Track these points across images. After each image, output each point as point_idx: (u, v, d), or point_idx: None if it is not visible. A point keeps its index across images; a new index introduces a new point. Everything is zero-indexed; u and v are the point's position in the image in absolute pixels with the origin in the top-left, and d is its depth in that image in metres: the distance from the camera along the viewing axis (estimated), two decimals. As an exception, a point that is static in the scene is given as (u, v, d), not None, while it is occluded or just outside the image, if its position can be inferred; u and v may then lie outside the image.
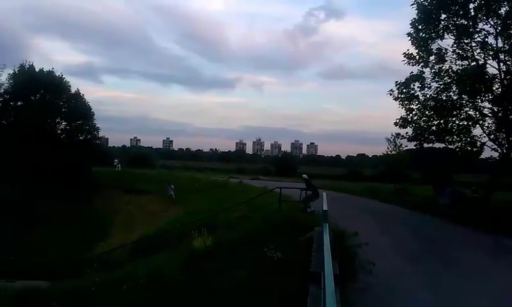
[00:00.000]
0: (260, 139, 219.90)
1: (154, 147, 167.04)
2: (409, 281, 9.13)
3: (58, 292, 12.45)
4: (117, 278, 11.65)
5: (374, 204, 22.27)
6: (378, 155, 69.72)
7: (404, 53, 21.54)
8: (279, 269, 8.68)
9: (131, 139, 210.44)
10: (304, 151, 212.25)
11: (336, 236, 8.64)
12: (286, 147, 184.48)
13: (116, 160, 48.20)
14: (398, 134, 24.49)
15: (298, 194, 15.44)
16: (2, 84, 31.10)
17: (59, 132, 33.11)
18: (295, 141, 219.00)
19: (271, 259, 9.22)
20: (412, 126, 22.05)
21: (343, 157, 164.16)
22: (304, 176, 20.81)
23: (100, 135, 35.92)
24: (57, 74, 32.01)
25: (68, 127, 32.73)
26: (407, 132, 22.72)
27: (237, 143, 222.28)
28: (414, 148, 24.02)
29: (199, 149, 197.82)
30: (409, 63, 21.64)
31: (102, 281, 11.80)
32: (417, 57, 21.33)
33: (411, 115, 21.95)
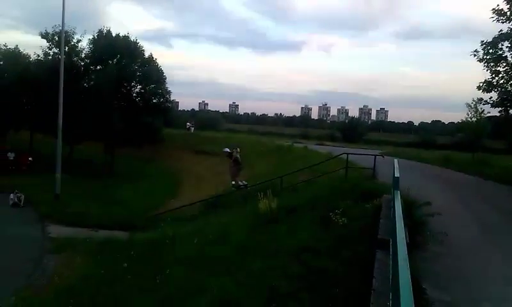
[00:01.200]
0: (326, 104, 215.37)
1: (221, 111, 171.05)
2: (484, 254, 8.61)
3: (136, 242, 13.64)
4: (188, 232, 12.44)
5: (449, 174, 20.94)
6: (455, 122, 65.07)
7: (494, 9, 19.43)
8: (344, 234, 8.67)
9: (199, 103, 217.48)
10: (373, 116, 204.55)
11: (406, 205, 8.35)
12: (354, 112, 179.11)
13: (188, 123, 50.17)
14: (481, 99, 22.40)
15: (365, 160, 15.04)
16: (83, 49, 33.46)
17: (134, 95, 35.08)
18: (363, 106, 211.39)
19: (336, 224, 9.22)
20: (497, 90, 20.14)
21: (416, 123, 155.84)
22: (226, 149, 20.07)
23: (171, 99, 37.39)
24: (132, 39, 33.61)
25: (142, 91, 34.53)
26: (491, 97, 20.83)
27: (302, 108, 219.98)
28: (498, 114, 22.00)
29: (264, 114, 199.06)
30: (498, 20, 19.50)
31: (174, 234, 12.67)
32: (508, 13, 19.13)
33: (497, 78, 20.02)
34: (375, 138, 76.99)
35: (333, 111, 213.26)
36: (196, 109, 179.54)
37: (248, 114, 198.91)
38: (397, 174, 7.32)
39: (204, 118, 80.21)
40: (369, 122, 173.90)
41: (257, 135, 53.05)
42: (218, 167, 32.11)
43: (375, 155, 14.39)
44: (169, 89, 35.63)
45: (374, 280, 5.18)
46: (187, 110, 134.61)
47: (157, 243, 12.39)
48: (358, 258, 7.53)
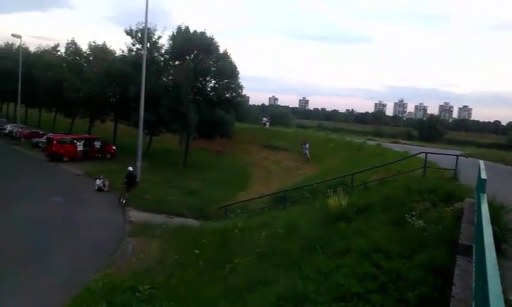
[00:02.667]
0: (402, 100, 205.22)
1: (290, 106, 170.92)
2: None
3: (207, 231, 14.18)
4: (257, 225, 12.63)
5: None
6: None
7: None
8: (420, 237, 8.20)
9: (269, 98, 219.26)
10: (454, 114, 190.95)
11: (492, 210, 7.66)
12: (433, 110, 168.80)
13: (264, 118, 49.91)
14: None
15: (445, 161, 14.04)
16: (163, 45, 35.31)
17: (208, 89, 36.29)
18: (444, 103, 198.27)
19: (412, 226, 8.75)
20: None
21: (503, 123, 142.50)
22: (130, 168, 22.01)
23: (243, 94, 38.06)
24: (208, 35, 34.72)
25: (216, 85, 35.59)
26: None
27: (376, 104, 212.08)
28: None
29: (334, 110, 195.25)
30: None
31: (243, 225, 12.95)
32: None
33: None
34: (457, 138, 71.69)
35: (410, 108, 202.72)
36: (266, 103, 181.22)
37: (318, 109, 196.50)
38: (483, 176, 6.73)
39: (273, 113, 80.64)
40: (450, 120, 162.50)
41: (327, 131, 52.13)
42: (286, 162, 32.17)
43: (457, 156, 13.36)
44: (241, 84, 36.34)
45: (453, 287, 4.85)
46: (258, 105, 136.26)
47: (227, 233, 12.77)
48: (434, 263, 7.10)
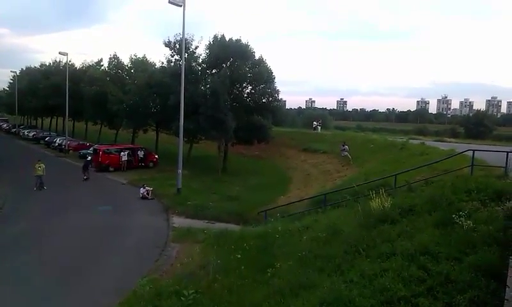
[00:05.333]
0: (446, 97, 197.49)
1: (328, 108, 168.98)
2: None
3: (248, 235, 14.26)
4: (297, 228, 12.56)
5: None
6: None
7: None
8: (469, 238, 7.84)
9: (306, 101, 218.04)
10: (503, 109, 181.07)
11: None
12: (479, 105, 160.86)
13: (315, 122, 47.95)
14: None
15: (494, 158, 13.32)
16: (200, 55, 36.09)
17: (245, 95, 36.68)
18: (491, 97, 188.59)
19: (460, 226, 8.38)
20: None
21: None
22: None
23: (279, 98, 38.12)
24: (243, 42, 35.14)
25: (253, 91, 35.92)
26: None
27: (418, 102, 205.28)
28: None
29: (374, 109, 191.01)
30: None
31: (284, 230, 12.91)
32: None
33: None
34: (506, 133, 67.81)
35: (455, 104, 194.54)
36: (303, 106, 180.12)
37: (357, 110, 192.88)
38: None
39: (311, 116, 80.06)
40: (498, 115, 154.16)
41: (367, 131, 51.06)
42: (326, 165, 31.78)
43: (507, 152, 12.63)
44: (277, 88, 36.44)
45: (507, 289, 4.61)
46: (294, 109, 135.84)
47: (268, 237, 12.78)
48: (486, 265, 6.77)
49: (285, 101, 77.21)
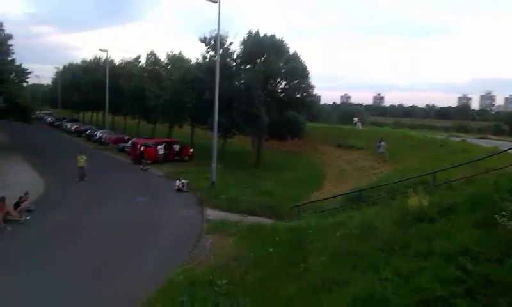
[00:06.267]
0: (490, 93, 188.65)
1: (364, 104, 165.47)
2: None
3: (280, 229, 14.28)
4: (331, 224, 12.44)
5: None
6: None
7: None
8: (512, 239, 7.49)
9: (341, 96, 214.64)
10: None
11: None
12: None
13: (355, 118, 46.68)
14: None
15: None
16: (235, 51, 36.30)
17: (279, 91, 36.60)
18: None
19: (502, 227, 8.01)
20: None
21: None
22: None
23: (313, 93, 37.76)
24: (277, 37, 35.03)
25: (287, 86, 35.77)
26: None
27: (459, 98, 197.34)
28: None
29: (413, 105, 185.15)
30: None
31: (317, 225, 12.84)
32: None
33: None
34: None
35: (499, 100, 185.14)
36: (338, 102, 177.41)
37: (395, 106, 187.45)
38: None
39: (346, 112, 78.77)
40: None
41: (405, 128, 49.61)
42: (361, 161, 31.23)
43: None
44: (312, 83, 36.11)
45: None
46: (329, 104, 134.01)
47: (301, 232, 12.75)
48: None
49: (319, 96, 76.11)
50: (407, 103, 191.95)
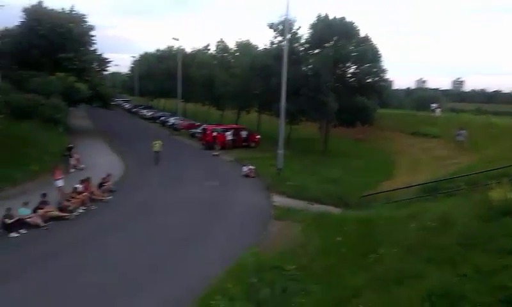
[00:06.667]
0: None
1: (441, 89, 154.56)
2: None
3: (349, 218, 13.99)
4: (404, 216, 11.91)
5: None
6: None
7: None
8: None
9: (416, 81, 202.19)
10: None
11: None
12: None
13: (433, 105, 44.29)
14: None
15: None
16: (303, 35, 35.73)
17: (348, 76, 35.45)
18: None
19: None
20: None
21: None
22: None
23: (386, 78, 35.98)
24: (347, 20, 33.80)
25: (357, 71, 34.52)
26: None
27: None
28: None
29: (497, 90, 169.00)
30: None
31: (389, 216, 12.36)
32: None
33: None
34: None
35: None
36: (413, 87, 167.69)
37: (476, 90, 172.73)
38: None
39: (421, 97, 74.23)
40: None
41: (488, 115, 45.69)
42: (437, 150, 29.41)
43: None
44: (384, 67, 34.43)
45: None
46: (402, 89, 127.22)
47: (370, 223, 12.36)
48: None
49: (391, 81, 72.19)
50: (490, 88, 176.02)
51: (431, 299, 6.59)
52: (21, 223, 14.30)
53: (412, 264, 8.25)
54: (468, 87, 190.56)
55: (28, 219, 14.63)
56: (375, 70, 33.66)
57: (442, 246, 8.65)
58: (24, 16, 36.09)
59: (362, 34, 34.30)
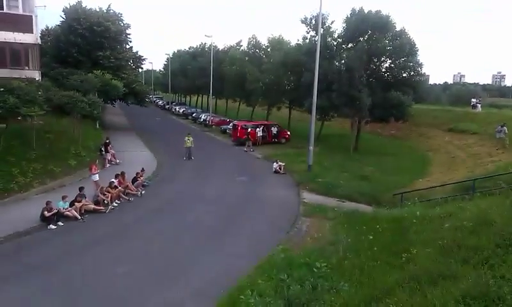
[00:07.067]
0: None
1: (481, 83, 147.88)
2: None
3: (381, 217, 13.71)
4: (438, 215, 11.55)
5: None
6: None
7: None
8: None
9: (454, 75, 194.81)
10: None
11: None
12: None
13: (474, 100, 42.77)
14: None
15: None
16: (336, 30, 35.11)
17: (383, 70, 34.52)
18: None
19: None
20: None
21: None
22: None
23: (422, 72, 34.73)
24: (383, 13, 32.86)
25: (392, 65, 33.55)
26: None
27: None
28: None
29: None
30: None
31: (422, 215, 12.01)
32: None
33: None
34: None
35: None
36: (450, 81, 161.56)
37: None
38: None
39: (459, 92, 71.34)
40: None
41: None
42: (475, 148, 28.27)
43: None
44: (420, 61, 33.27)
45: None
46: (439, 84, 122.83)
47: (404, 221, 12.08)
48: None
49: (428, 75, 69.33)
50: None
51: (465, 301, 6.37)
52: (59, 216, 14.96)
53: (446, 264, 7.99)
54: (509, 81, 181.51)
55: (66, 212, 15.29)
56: (411, 64, 32.62)
57: (479, 247, 8.34)
58: (64, 16, 37.57)
59: (398, 27, 33.33)
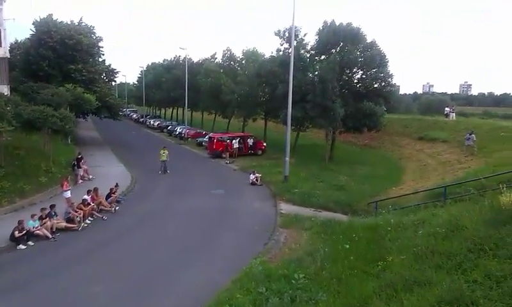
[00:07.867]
0: None
1: (449, 92, 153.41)
2: None
3: (356, 225, 13.89)
4: (412, 222, 11.79)
5: None
6: None
7: None
8: None
9: (423, 85, 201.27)
10: None
11: None
12: None
13: (447, 109, 43.67)
14: None
15: None
16: (309, 42, 35.74)
17: (355, 81, 35.27)
18: None
19: None
20: None
21: None
22: None
23: (392, 83, 35.71)
24: (354, 26, 33.71)
25: (363, 76, 34.32)
26: None
27: None
28: None
29: (505, 93, 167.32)
30: None
31: (397, 223, 12.23)
32: None
33: None
34: None
35: None
36: (420, 91, 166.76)
37: (484, 94, 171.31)
38: None
39: (428, 102, 73.71)
40: None
41: (495, 118, 45.25)
42: (445, 155, 29.15)
43: None
44: (391, 72, 34.20)
45: None
46: (409, 94, 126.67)
47: (379, 229, 12.27)
48: None
49: (398, 86, 71.47)
50: (499, 91, 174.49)
51: (441, 306, 6.50)
52: (29, 235, 14.39)
53: (421, 271, 8.15)
54: (475, 90, 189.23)
55: (36, 231, 14.73)
56: (382, 74, 33.50)
57: (452, 252, 8.54)
58: (34, 29, 36.67)
59: (369, 39, 34.24)
